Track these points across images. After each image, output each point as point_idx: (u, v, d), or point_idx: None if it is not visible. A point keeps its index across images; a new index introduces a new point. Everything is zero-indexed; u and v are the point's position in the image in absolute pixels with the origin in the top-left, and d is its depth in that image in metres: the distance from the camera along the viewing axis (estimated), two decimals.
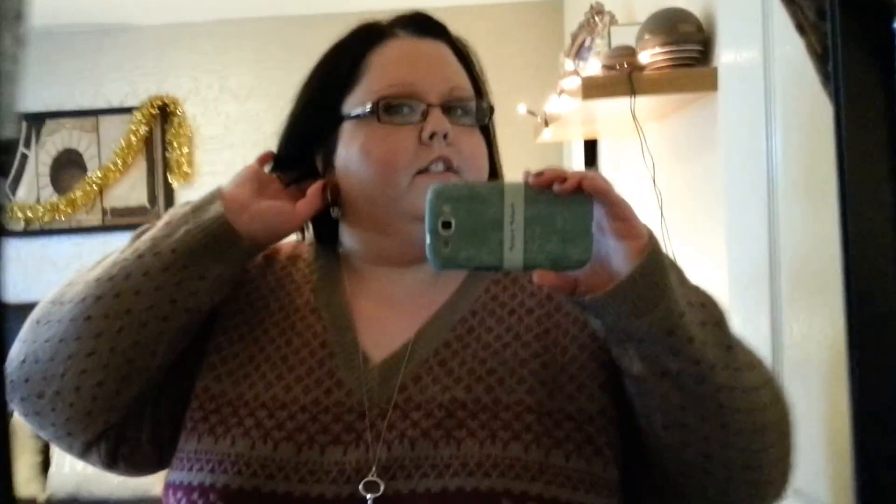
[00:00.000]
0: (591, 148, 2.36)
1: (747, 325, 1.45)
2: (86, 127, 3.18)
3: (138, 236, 0.81)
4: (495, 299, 0.83)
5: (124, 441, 0.82)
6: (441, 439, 0.74)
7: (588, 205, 0.62)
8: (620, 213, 0.63)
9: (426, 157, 0.78)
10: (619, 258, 0.64)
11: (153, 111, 3.09)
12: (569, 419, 0.75)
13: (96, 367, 0.76)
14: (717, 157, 1.64)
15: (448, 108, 0.80)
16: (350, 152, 0.81)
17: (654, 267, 0.64)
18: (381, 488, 0.72)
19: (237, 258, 0.80)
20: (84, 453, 0.82)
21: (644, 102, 1.72)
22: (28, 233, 3.22)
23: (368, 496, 0.72)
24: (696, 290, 0.70)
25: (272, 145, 0.87)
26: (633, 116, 1.77)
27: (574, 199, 0.62)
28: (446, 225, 0.62)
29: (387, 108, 0.79)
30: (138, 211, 3.30)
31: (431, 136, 0.78)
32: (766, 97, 1.36)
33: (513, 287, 0.84)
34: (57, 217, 3.17)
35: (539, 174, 0.62)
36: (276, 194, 0.83)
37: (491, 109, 0.86)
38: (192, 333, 0.81)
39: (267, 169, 0.86)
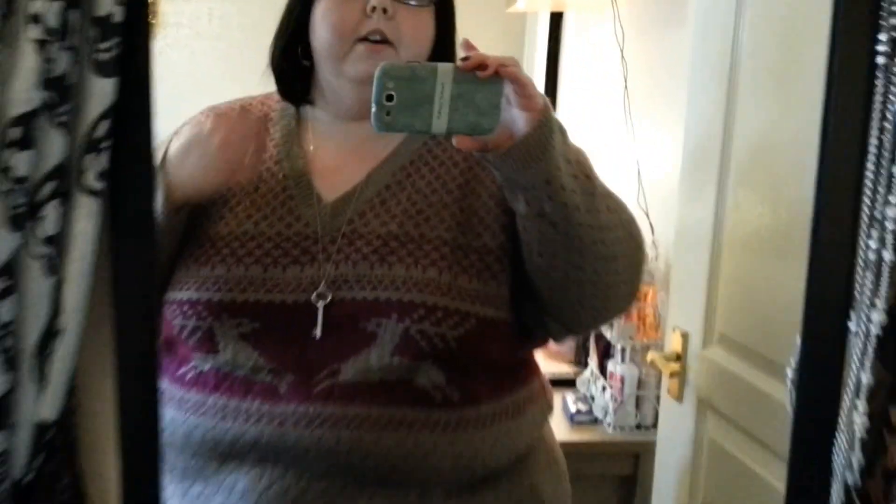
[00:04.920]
0: (556, 20, 2.38)
1: (694, 201, 1.51)
2: None
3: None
4: (430, 152, 1.04)
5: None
6: (377, 262, 0.96)
7: (500, 84, 0.80)
8: (525, 91, 0.81)
9: (366, 27, 0.96)
10: (520, 125, 0.83)
11: None
12: (474, 251, 0.98)
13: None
14: (687, 33, 1.64)
15: None
16: (315, 18, 1.01)
17: (543, 131, 0.83)
18: (329, 297, 0.95)
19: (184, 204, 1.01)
20: None
21: None
22: None
23: (319, 303, 0.95)
24: (576, 150, 0.92)
25: None
26: None
27: (491, 80, 0.79)
28: (389, 98, 0.78)
29: None
30: None
31: (373, 10, 0.96)
32: None
33: (445, 143, 1.03)
34: None
35: (466, 59, 0.79)
36: (234, 138, 0.96)
37: None
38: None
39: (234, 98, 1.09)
